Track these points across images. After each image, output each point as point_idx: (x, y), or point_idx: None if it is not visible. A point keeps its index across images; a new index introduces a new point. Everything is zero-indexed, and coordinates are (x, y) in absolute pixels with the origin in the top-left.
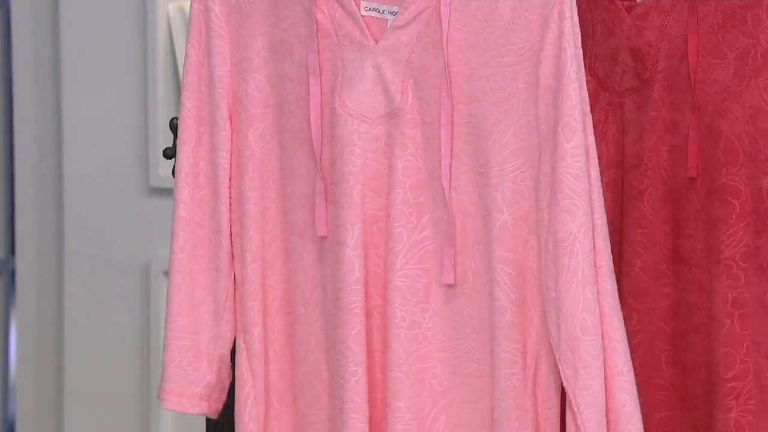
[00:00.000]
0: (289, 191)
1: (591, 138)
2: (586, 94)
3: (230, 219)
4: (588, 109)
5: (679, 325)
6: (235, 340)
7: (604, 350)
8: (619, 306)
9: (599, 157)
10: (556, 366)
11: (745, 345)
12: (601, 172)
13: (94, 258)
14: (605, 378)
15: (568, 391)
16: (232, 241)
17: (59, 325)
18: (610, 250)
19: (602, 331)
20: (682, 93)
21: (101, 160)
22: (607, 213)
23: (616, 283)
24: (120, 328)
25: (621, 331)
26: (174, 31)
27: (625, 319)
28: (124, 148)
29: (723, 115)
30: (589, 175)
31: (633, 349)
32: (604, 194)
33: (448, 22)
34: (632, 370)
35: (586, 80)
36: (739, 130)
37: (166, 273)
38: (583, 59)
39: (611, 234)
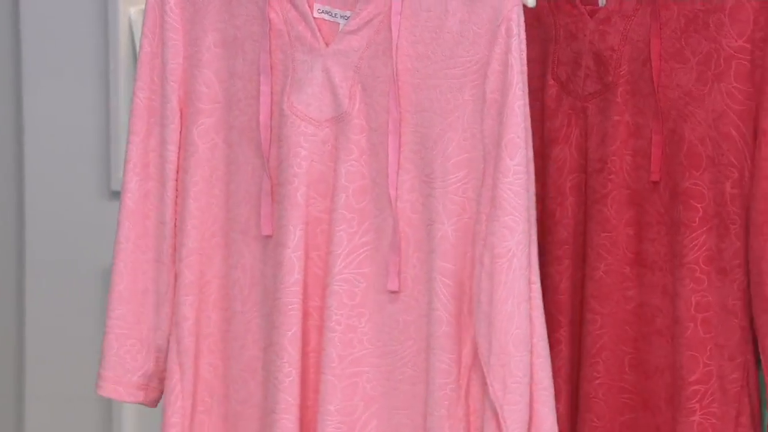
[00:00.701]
0: (234, 188)
1: (531, 154)
2: (528, 111)
3: (174, 212)
4: (529, 125)
5: (643, 328)
6: None
7: (531, 365)
8: (544, 322)
9: (563, 162)
10: None
11: (708, 348)
12: (565, 176)
13: (55, 262)
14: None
15: (496, 403)
16: (175, 234)
17: (20, 329)
18: (538, 264)
19: (532, 346)
20: (645, 97)
21: (63, 164)
22: (570, 217)
23: (542, 298)
24: (81, 332)
25: (548, 348)
26: (136, 35)
27: (588, 322)
28: (86, 152)
29: (686, 120)
30: (528, 192)
31: (596, 352)
32: (568, 198)
33: (398, 31)
34: (553, 384)
35: (549, 84)
36: (701, 135)
37: None
38: (546, 63)
39: (576, 238)
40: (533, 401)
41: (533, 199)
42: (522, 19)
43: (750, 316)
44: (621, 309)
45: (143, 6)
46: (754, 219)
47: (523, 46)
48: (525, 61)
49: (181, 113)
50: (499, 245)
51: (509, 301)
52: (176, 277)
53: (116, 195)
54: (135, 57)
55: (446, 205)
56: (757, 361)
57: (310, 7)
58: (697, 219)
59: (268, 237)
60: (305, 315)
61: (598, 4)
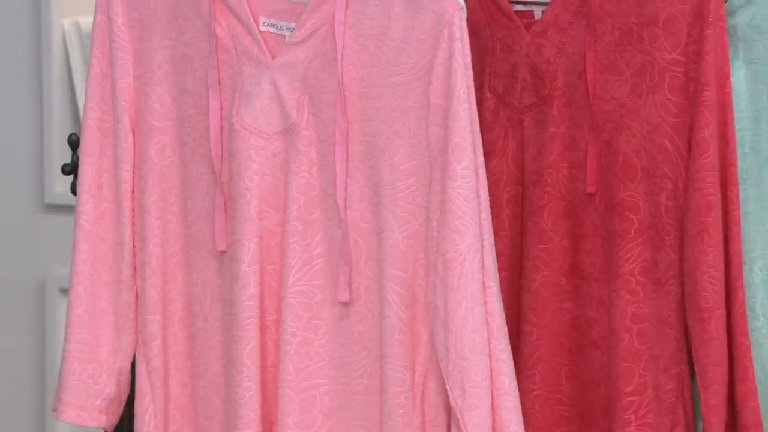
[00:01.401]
0: (191, 204)
1: (480, 158)
2: (476, 114)
3: (132, 232)
4: (477, 128)
5: (579, 340)
6: (135, 352)
7: (491, 370)
8: (505, 326)
9: (500, 174)
10: (444, 385)
11: (643, 359)
12: (502, 189)
13: None
14: (491, 397)
15: (456, 410)
16: (134, 254)
17: None
18: (497, 269)
19: (489, 351)
20: (580, 110)
21: None
22: (507, 229)
23: (502, 303)
24: (15, 347)
25: (507, 351)
26: (69, 47)
27: (525, 334)
28: (20, 165)
29: (621, 132)
30: (478, 196)
31: (533, 364)
32: (504, 210)
33: (343, 41)
34: (517, 389)
35: (487, 97)
36: (636, 147)
37: (63, 291)
38: (483, 76)
39: (512, 249)
40: (495, 407)
41: (486, 202)
42: (464, 23)
43: (684, 327)
44: (557, 321)
45: (77, 18)
46: (689, 230)
47: (467, 50)
48: (469, 65)
49: (134, 132)
50: (450, 250)
51: (463, 306)
52: (141, 296)
53: (50, 208)
54: (68, 69)
55: (396, 213)
56: (692, 372)
57: (256, 20)
58: (632, 231)
59: (224, 252)
60: (263, 329)
61: (534, 17)
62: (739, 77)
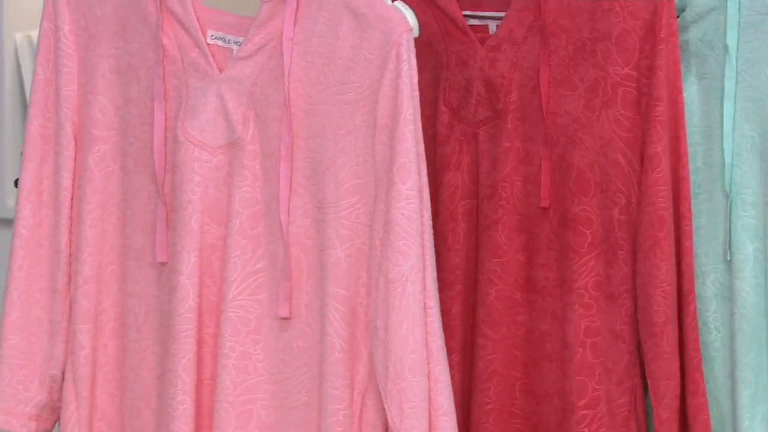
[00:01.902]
0: (130, 215)
1: (424, 179)
2: (422, 135)
3: (69, 240)
4: (422, 149)
5: (533, 353)
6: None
7: (429, 390)
8: (444, 347)
9: (455, 188)
10: (382, 403)
11: (597, 373)
12: (457, 202)
13: None
14: (429, 418)
15: (394, 429)
16: (70, 263)
17: None
18: (437, 290)
19: (429, 371)
20: (534, 124)
21: None
22: (462, 243)
23: (441, 323)
24: None
25: (446, 372)
26: (22, 60)
27: (479, 348)
28: None
29: (575, 146)
30: (422, 216)
31: (487, 378)
32: (459, 224)
33: (290, 57)
34: (455, 410)
35: (441, 111)
36: (590, 161)
37: None
38: (438, 90)
39: (467, 263)
40: (433, 427)
41: (428, 223)
42: (412, 44)
43: (637, 340)
44: (512, 334)
45: (29, 32)
46: (641, 245)
47: (414, 72)
48: (416, 87)
49: (76, 140)
50: (392, 270)
51: (404, 326)
52: (73, 305)
53: (2, 222)
54: (20, 82)
55: (339, 231)
56: (644, 386)
57: (204, 33)
58: (585, 245)
59: (163, 264)
60: (200, 342)
61: (488, 32)
62: (691, 92)
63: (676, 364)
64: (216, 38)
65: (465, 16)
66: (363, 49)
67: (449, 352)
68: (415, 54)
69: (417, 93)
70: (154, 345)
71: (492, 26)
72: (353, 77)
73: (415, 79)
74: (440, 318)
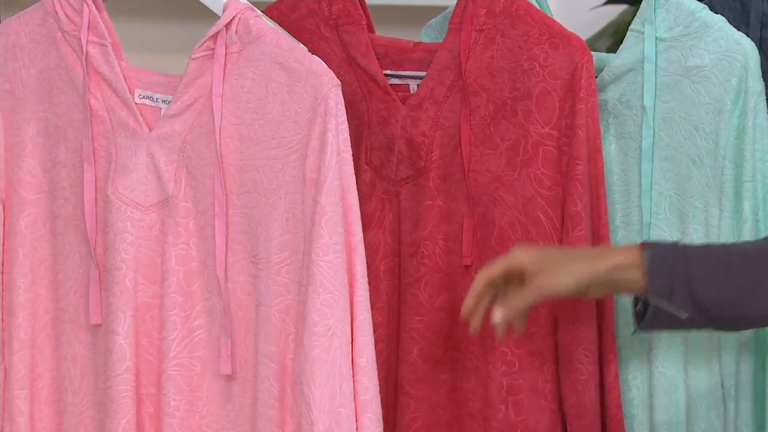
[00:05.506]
0: (62, 278)
1: (359, 234)
2: (355, 189)
3: (2, 306)
4: (356, 202)
5: (456, 411)
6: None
7: None
8: (378, 400)
9: (377, 246)
10: None
11: (519, 431)
12: (379, 261)
13: None
14: None
15: None
16: (2, 328)
17: None
18: (372, 347)
19: (359, 425)
20: (456, 182)
21: None
22: (384, 301)
23: (376, 378)
24: None
25: (377, 423)
26: None
27: (402, 406)
28: None
29: (496, 204)
30: (355, 272)
31: None
32: (381, 282)
33: (221, 113)
34: None
35: (363, 169)
36: (511, 219)
37: None
38: (360, 148)
39: (389, 321)
40: None
41: (363, 277)
42: (341, 98)
43: (560, 398)
44: (435, 392)
45: None
46: (563, 302)
47: (343, 126)
48: (347, 140)
49: (5, 205)
50: (319, 324)
51: (330, 382)
52: (9, 371)
53: None
54: None
55: (270, 287)
56: None
57: (132, 92)
58: None
59: (98, 326)
60: (138, 402)
61: (410, 91)
62: (610, 151)
63: (598, 422)
64: (144, 97)
65: (386, 75)
66: (293, 103)
67: None
68: (344, 108)
69: (348, 146)
70: (90, 408)
71: (413, 85)
72: (283, 132)
73: (346, 133)
74: (373, 374)
